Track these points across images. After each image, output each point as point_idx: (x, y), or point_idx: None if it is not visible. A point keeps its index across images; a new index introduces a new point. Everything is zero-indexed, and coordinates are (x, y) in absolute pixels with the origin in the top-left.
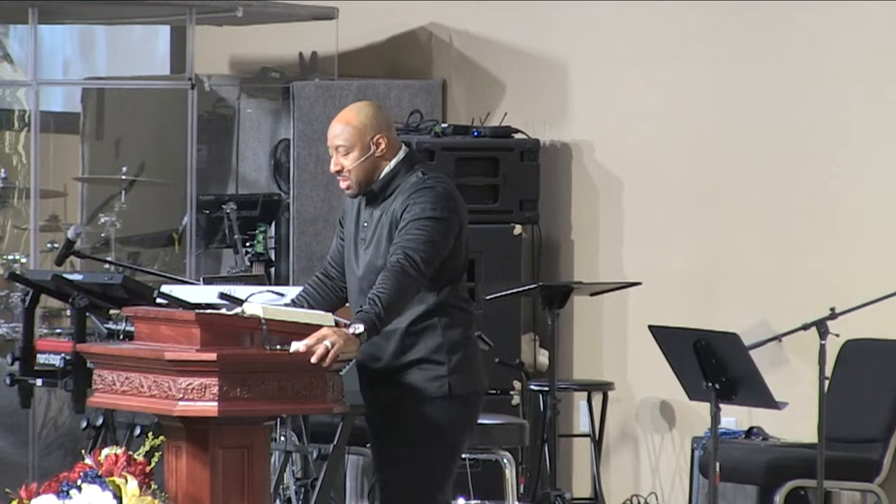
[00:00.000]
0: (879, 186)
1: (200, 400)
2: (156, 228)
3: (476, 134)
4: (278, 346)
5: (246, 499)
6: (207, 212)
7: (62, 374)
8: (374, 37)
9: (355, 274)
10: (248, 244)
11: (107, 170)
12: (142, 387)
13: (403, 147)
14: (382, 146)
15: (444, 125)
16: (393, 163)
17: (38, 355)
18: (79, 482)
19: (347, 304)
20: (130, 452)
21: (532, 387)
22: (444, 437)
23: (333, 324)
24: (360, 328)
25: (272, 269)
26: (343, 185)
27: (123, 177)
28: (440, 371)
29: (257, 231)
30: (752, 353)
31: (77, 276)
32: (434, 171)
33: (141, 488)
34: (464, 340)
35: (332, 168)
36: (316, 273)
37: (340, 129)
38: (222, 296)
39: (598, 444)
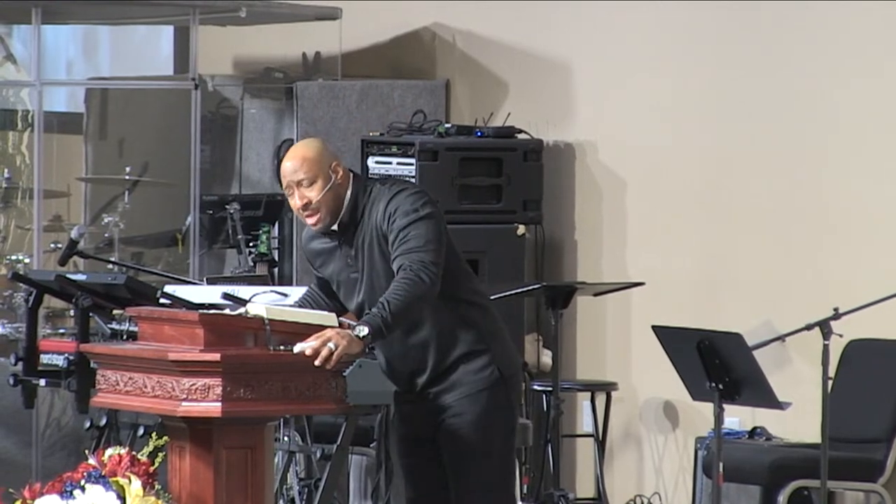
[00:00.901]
0: (884, 187)
1: (204, 400)
2: (159, 229)
3: (479, 134)
4: (282, 347)
5: (249, 499)
6: (211, 212)
7: (66, 375)
8: (377, 37)
9: (359, 303)
10: (251, 244)
11: (110, 170)
12: (145, 387)
13: (351, 172)
14: (340, 174)
15: (447, 125)
16: (349, 190)
17: (42, 355)
18: (82, 482)
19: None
20: (134, 453)
21: (535, 387)
22: (503, 423)
23: (337, 324)
24: (365, 331)
25: (275, 270)
26: (311, 220)
27: (127, 177)
28: (486, 359)
29: (261, 231)
30: (756, 353)
31: (80, 277)
32: (391, 179)
33: (144, 488)
34: (496, 323)
35: (298, 203)
36: (311, 285)
37: (299, 164)
38: (226, 296)
39: (601, 444)
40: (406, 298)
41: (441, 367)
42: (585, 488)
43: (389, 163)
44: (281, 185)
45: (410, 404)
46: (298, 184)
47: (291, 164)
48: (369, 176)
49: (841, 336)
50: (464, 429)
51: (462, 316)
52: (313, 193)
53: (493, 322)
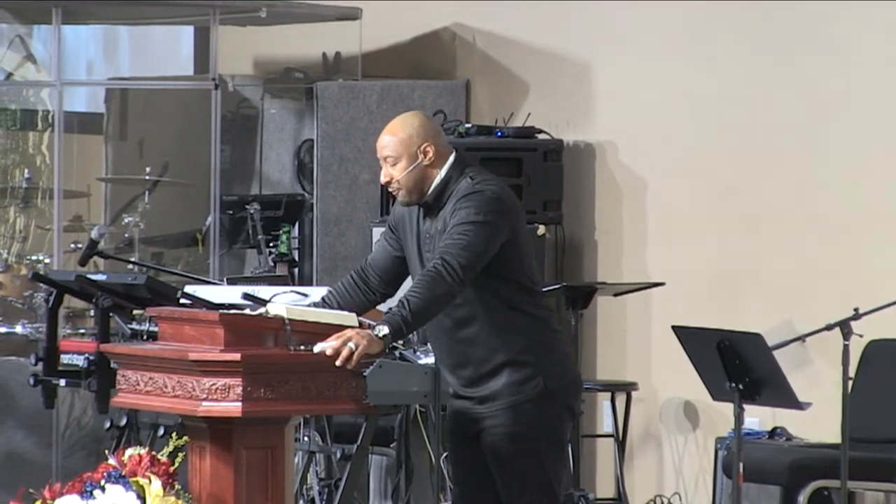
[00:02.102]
0: None
1: (224, 400)
2: (179, 229)
3: (499, 134)
4: (302, 347)
5: (270, 499)
6: (231, 212)
7: (86, 375)
8: (397, 37)
9: None
10: (271, 244)
11: (130, 170)
12: (165, 387)
13: (453, 152)
14: (430, 154)
15: (467, 125)
16: (443, 171)
17: (62, 355)
18: (102, 482)
19: (377, 307)
20: (154, 453)
21: None
22: (546, 435)
23: (357, 324)
24: (385, 330)
25: (296, 270)
26: (397, 195)
27: (147, 177)
28: (530, 371)
29: (281, 231)
30: (776, 353)
31: (101, 277)
32: (484, 173)
33: (164, 489)
34: (549, 337)
35: (382, 179)
36: (351, 272)
37: (387, 141)
38: (246, 296)
39: (621, 444)
40: (425, 297)
41: (483, 368)
42: (605, 488)
43: None
44: (302, 186)
45: (458, 400)
46: (385, 159)
47: (382, 139)
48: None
49: (861, 336)
50: (506, 438)
51: (513, 323)
52: (395, 172)
53: (545, 335)
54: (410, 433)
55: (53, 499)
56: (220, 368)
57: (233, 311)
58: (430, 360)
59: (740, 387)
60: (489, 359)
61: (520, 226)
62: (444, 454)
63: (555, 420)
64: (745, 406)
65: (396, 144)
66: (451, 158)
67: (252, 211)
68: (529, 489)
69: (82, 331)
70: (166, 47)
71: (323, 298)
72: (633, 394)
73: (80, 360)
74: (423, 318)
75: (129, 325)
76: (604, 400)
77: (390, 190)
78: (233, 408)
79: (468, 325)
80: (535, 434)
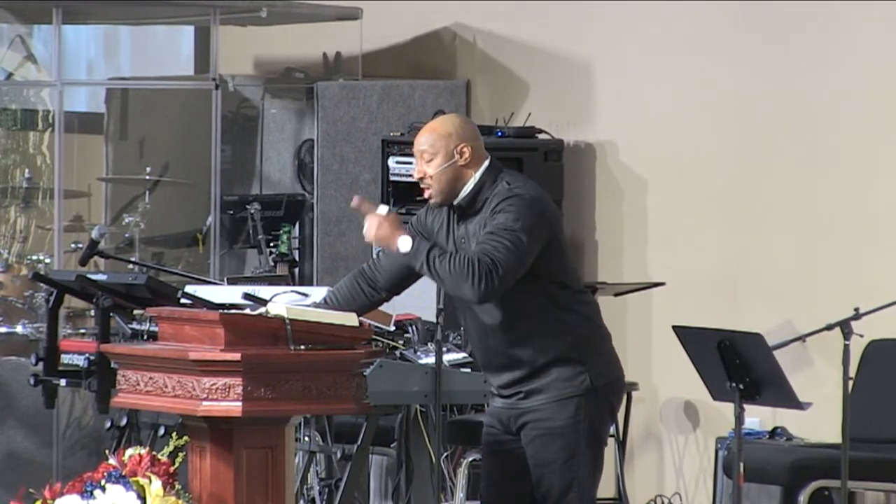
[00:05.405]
0: None
1: (224, 400)
2: (180, 229)
3: (500, 134)
4: (302, 347)
5: (270, 499)
6: (231, 212)
7: (86, 375)
8: (398, 37)
9: None
10: (272, 244)
11: (131, 170)
12: (166, 387)
13: (489, 158)
14: (466, 155)
15: None
16: (478, 175)
17: (63, 355)
18: (103, 482)
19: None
20: (154, 453)
21: None
22: (588, 430)
23: (358, 325)
24: (407, 249)
25: (296, 270)
26: (426, 193)
27: (147, 177)
28: (578, 368)
29: (281, 231)
30: (777, 353)
31: (101, 277)
32: (519, 179)
33: (165, 488)
34: (596, 333)
35: (415, 175)
36: (353, 272)
37: (426, 137)
38: (246, 296)
39: (622, 444)
40: (456, 276)
41: (532, 367)
42: (606, 488)
43: (410, 163)
44: (302, 186)
45: (500, 398)
46: (421, 155)
47: (420, 136)
48: (388, 177)
49: (861, 336)
50: (548, 432)
51: (561, 321)
52: (429, 169)
53: (592, 332)
54: (411, 433)
55: (54, 499)
56: (221, 368)
57: (233, 311)
58: (431, 360)
59: (740, 387)
60: (538, 357)
61: (559, 227)
62: (445, 454)
63: (597, 418)
64: (745, 406)
65: (434, 140)
66: (486, 163)
67: (252, 211)
68: (565, 486)
69: (83, 331)
70: (167, 47)
71: (324, 299)
72: (634, 394)
73: (80, 360)
74: (432, 277)
75: (130, 325)
76: None
77: (422, 187)
78: (233, 407)
79: (517, 325)
80: (578, 430)
